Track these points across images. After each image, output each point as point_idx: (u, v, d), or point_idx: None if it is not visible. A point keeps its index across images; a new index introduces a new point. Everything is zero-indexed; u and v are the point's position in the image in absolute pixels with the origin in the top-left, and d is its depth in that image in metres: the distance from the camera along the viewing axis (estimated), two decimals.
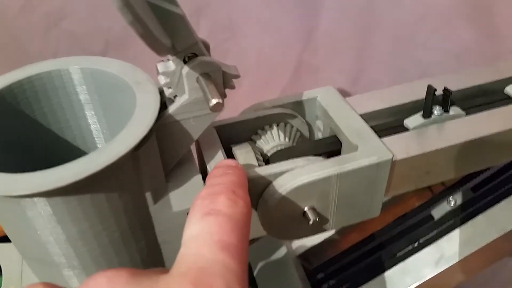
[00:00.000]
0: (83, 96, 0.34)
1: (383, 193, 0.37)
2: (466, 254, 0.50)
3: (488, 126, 0.39)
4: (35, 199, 0.25)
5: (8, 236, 0.31)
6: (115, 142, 0.26)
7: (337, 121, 0.38)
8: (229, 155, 0.38)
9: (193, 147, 0.37)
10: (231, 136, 0.39)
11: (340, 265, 0.59)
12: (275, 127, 0.40)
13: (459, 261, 0.50)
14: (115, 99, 0.32)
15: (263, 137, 0.39)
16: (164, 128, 0.30)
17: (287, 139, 0.40)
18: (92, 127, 0.36)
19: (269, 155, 0.39)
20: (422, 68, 0.81)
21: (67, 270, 0.31)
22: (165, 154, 0.31)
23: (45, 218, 0.26)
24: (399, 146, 0.36)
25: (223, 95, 0.30)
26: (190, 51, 0.27)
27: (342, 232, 0.61)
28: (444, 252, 0.51)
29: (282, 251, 0.58)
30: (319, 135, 0.43)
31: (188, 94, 0.29)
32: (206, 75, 0.28)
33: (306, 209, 0.35)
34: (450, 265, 0.50)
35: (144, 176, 0.30)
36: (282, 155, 0.38)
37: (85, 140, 0.37)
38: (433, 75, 0.48)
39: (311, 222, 0.34)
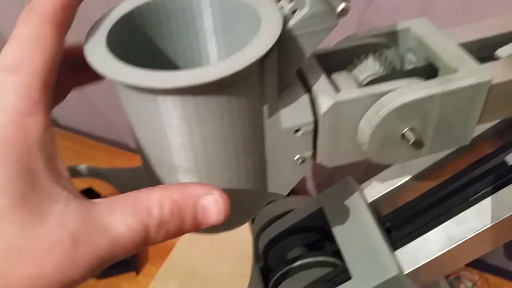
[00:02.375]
0: (207, 23, 0.36)
1: (477, 118, 0.38)
2: None
3: None
4: (180, 97, 0.28)
5: (137, 138, 0.33)
6: (250, 48, 0.28)
7: (435, 48, 0.39)
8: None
9: None
10: (327, 65, 0.41)
11: (411, 212, 0.61)
12: (370, 57, 0.41)
13: None
14: (237, 23, 0.34)
15: (358, 66, 0.41)
16: (282, 43, 0.32)
17: (381, 69, 0.41)
18: (210, 55, 0.38)
19: (364, 83, 0.40)
20: None
21: (182, 174, 0.33)
22: (281, 70, 0.33)
23: (187, 118, 0.29)
24: (495, 72, 0.37)
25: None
26: None
27: (414, 179, 0.62)
28: None
29: (356, 196, 0.60)
30: (410, 67, 0.44)
31: (308, 7, 0.31)
32: None
33: (406, 129, 0.36)
34: None
35: (265, 88, 0.32)
36: (378, 82, 0.39)
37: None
38: None
39: (411, 141, 0.36)
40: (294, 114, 0.35)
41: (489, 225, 0.52)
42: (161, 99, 0.28)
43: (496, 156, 0.59)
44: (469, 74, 0.36)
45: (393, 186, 0.62)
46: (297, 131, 0.36)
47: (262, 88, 0.32)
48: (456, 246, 0.52)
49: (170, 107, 0.28)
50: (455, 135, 0.39)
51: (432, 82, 0.36)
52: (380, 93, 0.35)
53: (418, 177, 0.61)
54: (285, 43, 0.32)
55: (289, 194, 0.63)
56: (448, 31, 0.42)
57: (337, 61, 0.41)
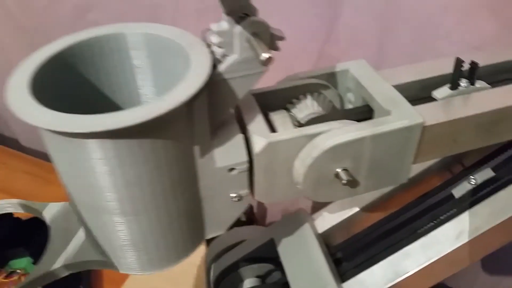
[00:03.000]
0: (136, 60, 0.36)
1: (412, 158, 0.39)
2: (485, 229, 0.52)
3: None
4: (100, 140, 0.28)
5: (63, 180, 0.33)
6: (176, 91, 0.28)
7: (370, 90, 0.40)
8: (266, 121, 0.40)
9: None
10: (267, 104, 0.41)
11: (360, 243, 0.61)
12: (309, 97, 0.42)
13: (478, 236, 0.52)
14: (168, 63, 0.35)
15: (297, 105, 0.42)
16: (213, 86, 0.32)
17: (320, 108, 0.42)
18: (146, 91, 0.38)
19: (302, 122, 0.41)
20: None
21: (119, 216, 0.33)
22: (212, 112, 0.34)
23: (107, 160, 0.29)
24: (429, 114, 0.38)
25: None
26: (242, 11, 0.30)
27: (363, 211, 0.63)
28: (464, 228, 0.53)
29: (306, 227, 0.60)
30: (349, 107, 0.45)
31: (238, 53, 0.31)
32: (256, 35, 0.30)
33: (339, 170, 0.37)
34: (470, 239, 0.52)
35: (196, 129, 0.32)
36: (316, 122, 0.40)
37: (133, 105, 0.39)
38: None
39: (344, 181, 0.36)
40: (228, 154, 0.35)
41: (434, 259, 0.52)
42: (79, 142, 0.28)
43: (443, 189, 0.60)
44: (401, 116, 0.37)
45: (343, 217, 0.62)
46: (231, 170, 0.36)
47: (192, 129, 0.32)
48: (401, 280, 0.52)
49: (90, 150, 0.28)
50: (390, 175, 0.40)
51: (363, 124, 0.36)
52: (313, 134, 0.36)
53: (368, 209, 0.62)
54: (217, 85, 0.33)
55: (242, 224, 0.63)
56: (387, 72, 0.44)
57: (276, 100, 0.41)
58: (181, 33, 0.34)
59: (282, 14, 0.86)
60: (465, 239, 0.52)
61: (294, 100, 0.42)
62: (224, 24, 0.31)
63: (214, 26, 0.31)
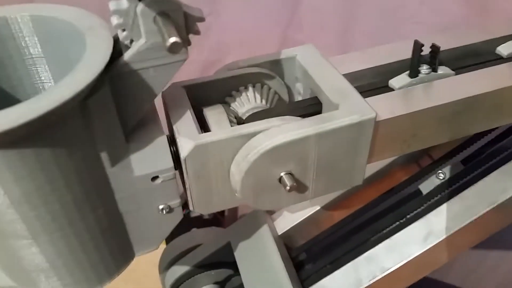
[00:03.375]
0: (35, 49, 0.31)
1: (366, 157, 0.34)
2: (455, 229, 0.48)
3: (479, 85, 0.36)
4: None
5: None
6: (58, 87, 0.23)
7: (317, 80, 0.35)
8: (201, 118, 0.35)
9: (161, 108, 0.34)
10: (202, 97, 0.36)
11: (323, 244, 0.57)
12: (250, 88, 0.37)
13: (448, 237, 0.48)
14: (68, 50, 0.29)
15: (237, 99, 0.36)
16: (119, 79, 0.27)
17: (264, 102, 0.37)
18: (47, 84, 0.32)
19: (244, 118, 0.36)
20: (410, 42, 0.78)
21: (16, 239, 0.28)
22: (124, 110, 0.28)
23: None
24: (384, 106, 0.34)
25: (185, 41, 0.27)
26: None
27: (326, 209, 0.58)
28: (433, 228, 0.49)
29: (264, 230, 0.55)
30: (299, 98, 0.40)
31: (145, 38, 0.26)
32: (165, 15, 0.25)
33: (282, 174, 0.32)
34: (439, 240, 0.48)
35: (98, 132, 0.26)
36: (258, 117, 0.35)
37: None
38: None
39: (287, 187, 0.31)
40: (149, 160, 0.30)
41: (400, 264, 0.48)
42: None
43: (410, 184, 0.56)
44: (350, 111, 0.32)
45: (304, 216, 0.57)
46: (155, 178, 0.30)
47: (91, 133, 0.26)
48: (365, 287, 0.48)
49: None
50: (342, 176, 0.35)
51: (307, 121, 0.31)
52: (249, 134, 0.31)
53: (330, 207, 0.57)
54: (125, 78, 0.27)
55: (206, 223, 0.57)
56: (339, 58, 0.39)
57: (213, 93, 0.36)
58: (81, 14, 0.28)
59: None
60: (434, 241, 0.48)
61: (234, 93, 0.37)
62: (124, 1, 0.25)
63: (112, 4, 0.25)
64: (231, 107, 0.36)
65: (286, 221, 0.58)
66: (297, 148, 0.31)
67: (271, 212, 0.59)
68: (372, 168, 0.56)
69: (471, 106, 0.36)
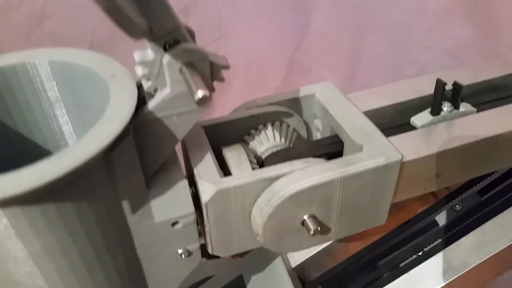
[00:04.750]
0: (52, 93, 0.30)
1: (391, 198, 0.34)
2: (474, 264, 0.47)
3: (502, 124, 0.35)
4: None
5: None
6: (82, 142, 0.22)
7: (338, 119, 0.34)
8: (220, 157, 0.34)
9: (179, 149, 0.33)
10: (221, 136, 0.35)
11: (339, 277, 0.56)
12: (269, 127, 0.36)
13: (466, 272, 0.47)
14: (88, 95, 0.28)
15: (256, 137, 0.36)
16: (143, 127, 0.26)
17: (283, 140, 0.36)
18: (64, 128, 0.32)
19: (263, 157, 0.35)
20: (419, 67, 0.78)
21: None
22: (146, 157, 0.27)
23: (2, 232, 0.22)
24: (407, 146, 0.33)
25: (210, 88, 0.26)
26: (172, 37, 0.23)
27: (341, 241, 0.57)
28: (451, 262, 0.48)
29: (277, 263, 0.54)
30: (317, 135, 0.39)
31: (170, 87, 0.25)
32: (191, 65, 0.24)
33: (305, 217, 0.31)
34: (457, 275, 0.47)
35: (120, 182, 0.26)
36: (278, 157, 0.34)
37: (57, 143, 0.33)
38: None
39: (311, 232, 0.31)
40: (169, 205, 0.29)
41: None
42: None
43: (426, 216, 0.55)
44: (375, 153, 0.31)
45: (319, 248, 0.56)
46: (175, 223, 0.29)
47: (114, 183, 0.25)
48: None
49: None
50: (366, 217, 0.34)
51: (331, 164, 0.30)
52: (272, 178, 0.30)
53: (345, 239, 0.56)
54: (148, 126, 0.26)
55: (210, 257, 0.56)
56: (357, 95, 0.38)
57: (232, 132, 0.35)
58: (100, 60, 0.27)
59: (251, 23, 0.81)
60: (452, 276, 0.47)
61: (253, 131, 0.36)
62: (149, 52, 0.24)
63: (137, 55, 0.25)
64: (250, 146, 0.36)
65: (301, 253, 0.57)
66: (321, 191, 0.30)
67: None
68: None
69: (494, 145, 0.35)
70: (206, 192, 0.29)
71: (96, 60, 0.28)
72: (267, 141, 0.35)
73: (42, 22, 0.82)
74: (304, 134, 0.38)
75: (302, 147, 0.36)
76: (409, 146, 0.33)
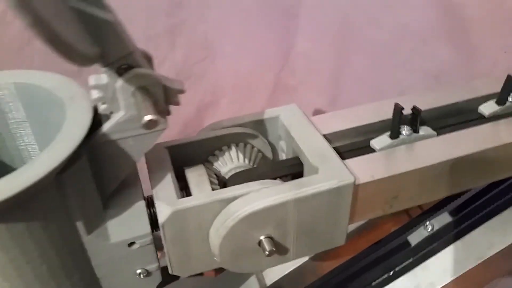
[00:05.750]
0: (18, 113, 0.31)
1: (347, 219, 0.34)
2: (443, 284, 0.47)
3: (461, 147, 0.36)
4: None
5: None
6: (33, 164, 0.23)
7: (299, 141, 0.35)
8: (183, 177, 0.35)
9: (145, 169, 0.34)
10: (186, 157, 0.36)
11: None
12: (233, 148, 0.37)
13: None
14: (50, 116, 0.29)
15: (220, 158, 0.37)
16: (98, 149, 0.27)
17: (247, 161, 0.37)
18: (31, 147, 0.33)
19: (226, 177, 0.36)
20: (401, 88, 0.80)
21: None
22: (102, 178, 0.28)
23: None
24: (364, 169, 0.34)
25: (164, 112, 0.27)
26: (125, 62, 0.25)
27: (314, 260, 0.58)
28: (420, 282, 0.48)
29: (251, 281, 0.55)
30: (283, 156, 0.40)
31: (123, 110, 0.26)
32: (144, 89, 0.25)
33: (262, 238, 0.32)
34: None
35: (73, 203, 0.26)
36: (240, 178, 0.35)
37: (24, 162, 0.34)
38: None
39: (267, 252, 0.31)
40: (125, 226, 0.30)
41: None
42: None
43: (399, 235, 0.56)
44: (329, 175, 0.32)
45: (293, 267, 0.57)
46: (131, 244, 0.30)
47: (67, 204, 0.26)
48: None
49: None
50: (324, 238, 0.35)
51: (286, 186, 0.31)
52: (228, 199, 0.31)
53: (318, 257, 0.57)
54: (103, 148, 0.27)
55: None
56: (322, 118, 0.39)
57: (196, 153, 0.36)
58: (63, 82, 0.28)
59: (238, 43, 0.82)
60: None
61: (217, 152, 0.37)
62: (104, 76, 0.25)
63: (91, 79, 0.26)
64: (214, 167, 0.37)
65: (275, 271, 0.57)
66: (275, 213, 0.31)
67: None
68: None
69: (454, 168, 0.36)
70: (162, 213, 0.30)
71: (59, 82, 0.29)
72: (230, 161, 0.36)
73: (34, 38, 0.84)
74: (269, 155, 0.39)
75: (264, 168, 0.37)
76: (366, 169, 0.34)
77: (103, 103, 0.27)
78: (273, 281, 0.57)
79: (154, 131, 0.27)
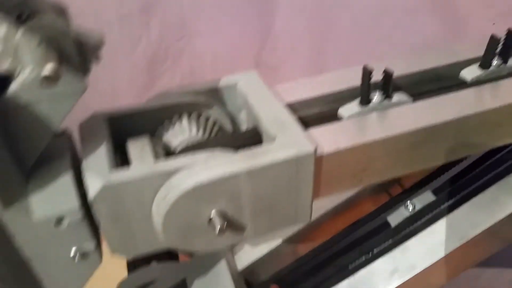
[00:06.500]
0: None
1: (310, 194, 0.31)
2: (423, 267, 0.44)
3: (439, 113, 0.33)
4: None
5: None
6: None
7: (257, 110, 0.31)
8: (124, 150, 0.31)
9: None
10: (131, 129, 0.32)
11: (287, 279, 0.53)
12: (185, 118, 0.33)
13: (415, 275, 0.44)
14: None
15: (170, 130, 0.33)
16: (6, 116, 0.23)
17: (201, 133, 0.33)
18: None
19: (177, 151, 0.32)
20: None
21: None
22: (18, 148, 0.24)
23: None
24: (329, 138, 0.30)
25: (80, 70, 0.23)
26: (26, 9, 0.20)
27: (289, 242, 0.54)
28: (399, 264, 0.45)
29: (221, 266, 0.51)
30: (244, 128, 0.36)
31: (29, 68, 0.22)
32: (52, 42, 0.21)
33: (212, 213, 0.28)
34: (405, 279, 0.44)
35: None
36: (193, 151, 0.31)
37: None
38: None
39: (217, 229, 0.28)
40: (50, 201, 0.26)
41: None
42: None
43: (378, 215, 0.52)
44: (286, 144, 0.28)
45: (266, 250, 0.53)
46: (59, 221, 0.26)
47: None
48: None
49: None
50: (286, 214, 0.31)
51: (237, 156, 0.28)
52: (170, 171, 0.27)
53: (294, 239, 0.53)
54: (13, 115, 0.23)
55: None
56: (286, 86, 0.35)
57: (142, 124, 0.32)
58: None
59: (215, 23, 0.79)
60: (399, 280, 0.44)
61: (167, 123, 0.33)
62: (2, 26, 0.21)
63: None
64: (163, 139, 0.33)
65: (248, 255, 0.54)
66: (226, 186, 0.27)
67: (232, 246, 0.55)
68: (339, 197, 0.53)
69: (431, 137, 0.33)
70: (92, 187, 0.26)
71: None
72: (181, 133, 0.33)
73: None
74: (228, 127, 0.36)
75: (220, 140, 0.33)
76: (331, 138, 0.30)
77: (7, 60, 0.23)
78: (245, 265, 0.53)
79: (72, 92, 0.23)
